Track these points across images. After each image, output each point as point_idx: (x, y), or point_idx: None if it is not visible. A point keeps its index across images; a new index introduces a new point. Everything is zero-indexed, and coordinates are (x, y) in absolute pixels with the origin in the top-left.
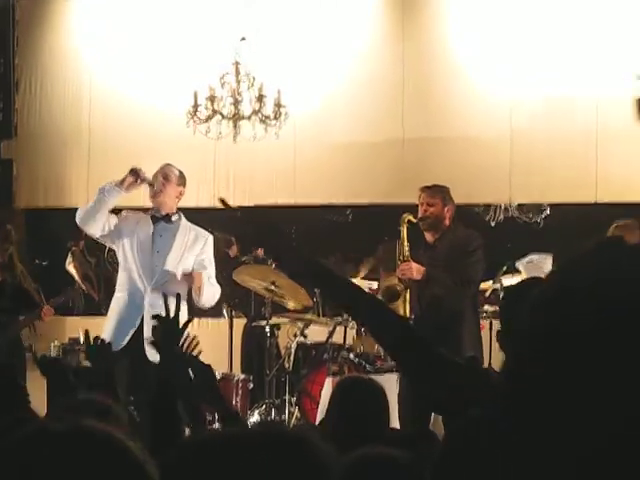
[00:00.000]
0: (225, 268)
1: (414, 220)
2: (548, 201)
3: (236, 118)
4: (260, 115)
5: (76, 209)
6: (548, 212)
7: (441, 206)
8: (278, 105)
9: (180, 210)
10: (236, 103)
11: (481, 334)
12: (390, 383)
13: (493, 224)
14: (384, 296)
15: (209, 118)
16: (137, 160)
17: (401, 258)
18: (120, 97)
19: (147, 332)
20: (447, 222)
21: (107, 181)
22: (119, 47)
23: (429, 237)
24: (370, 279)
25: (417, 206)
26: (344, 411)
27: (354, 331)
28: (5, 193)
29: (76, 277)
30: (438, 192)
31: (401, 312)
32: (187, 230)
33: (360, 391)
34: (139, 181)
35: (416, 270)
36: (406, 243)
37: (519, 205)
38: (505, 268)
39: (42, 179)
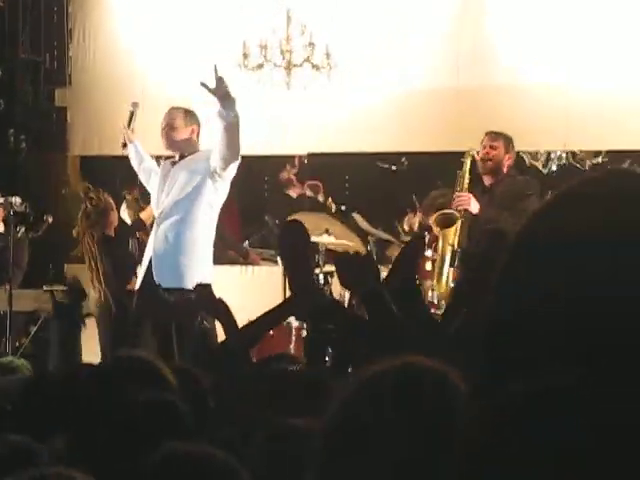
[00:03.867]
0: (279, 216)
1: (477, 158)
2: (604, 148)
3: (288, 66)
4: (311, 63)
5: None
6: (602, 159)
7: (503, 151)
8: (327, 53)
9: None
10: (285, 51)
11: None
12: None
13: (546, 171)
14: (438, 222)
15: (260, 67)
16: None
17: (459, 189)
18: (172, 46)
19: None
20: (505, 169)
21: (158, 130)
22: None
23: (486, 181)
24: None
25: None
26: None
27: None
28: (59, 141)
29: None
30: (502, 138)
31: (450, 241)
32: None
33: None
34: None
35: (473, 203)
36: (467, 176)
37: (575, 153)
38: None
39: (96, 127)
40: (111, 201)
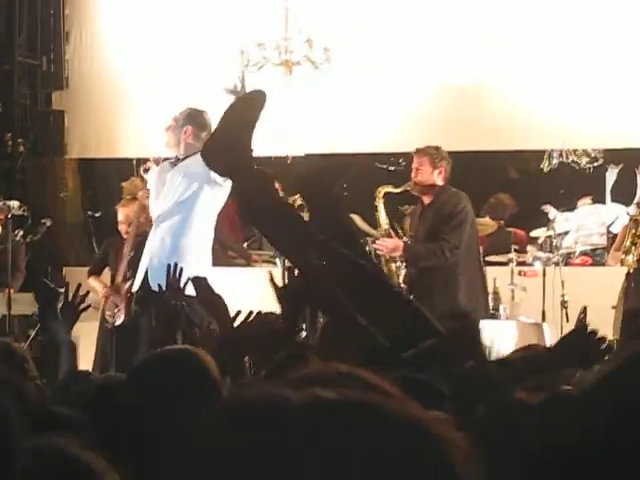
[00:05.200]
0: None
1: (394, 190)
2: (601, 147)
3: (287, 64)
4: (309, 59)
5: (129, 159)
6: (600, 158)
7: (429, 168)
8: (325, 49)
9: None
10: (282, 49)
11: (485, 285)
12: None
13: (546, 170)
14: None
15: (260, 67)
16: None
17: (380, 234)
18: (170, 47)
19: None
20: (440, 183)
21: (156, 132)
22: None
23: (425, 200)
24: None
25: (472, 153)
26: None
27: None
28: (57, 144)
29: None
30: (425, 155)
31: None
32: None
33: None
34: None
35: (391, 248)
36: (383, 217)
37: (574, 150)
38: (557, 215)
39: (94, 130)
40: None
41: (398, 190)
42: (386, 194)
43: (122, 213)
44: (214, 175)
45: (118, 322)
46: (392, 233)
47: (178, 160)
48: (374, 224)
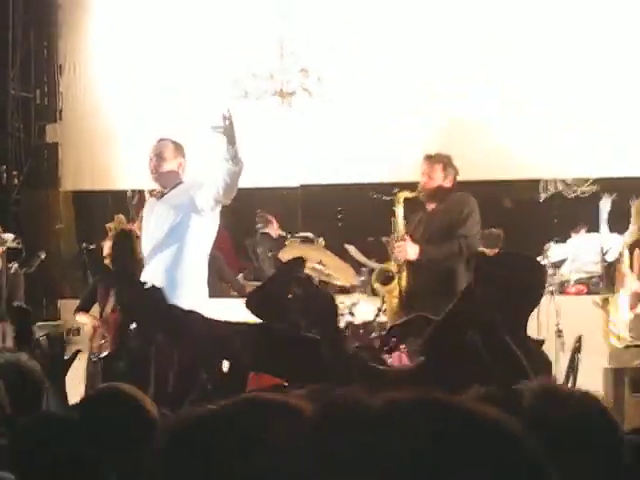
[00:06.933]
0: (272, 248)
1: (411, 195)
2: (594, 176)
3: (282, 94)
4: (305, 90)
5: (123, 191)
6: (594, 187)
7: (441, 176)
8: (319, 78)
9: None
10: (277, 79)
11: None
12: None
13: (541, 199)
14: (377, 279)
15: (257, 97)
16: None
17: (396, 238)
18: (164, 80)
19: None
20: (448, 191)
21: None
22: (162, 29)
23: (429, 206)
24: None
25: (466, 184)
26: None
27: None
28: (51, 177)
29: None
30: (437, 162)
31: (395, 294)
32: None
33: None
34: None
35: (410, 250)
36: (401, 222)
37: (568, 180)
38: (552, 244)
39: (87, 162)
40: None
41: (414, 194)
42: (405, 200)
43: (108, 247)
44: (201, 204)
45: (104, 354)
46: (408, 238)
47: (163, 194)
48: (369, 254)
